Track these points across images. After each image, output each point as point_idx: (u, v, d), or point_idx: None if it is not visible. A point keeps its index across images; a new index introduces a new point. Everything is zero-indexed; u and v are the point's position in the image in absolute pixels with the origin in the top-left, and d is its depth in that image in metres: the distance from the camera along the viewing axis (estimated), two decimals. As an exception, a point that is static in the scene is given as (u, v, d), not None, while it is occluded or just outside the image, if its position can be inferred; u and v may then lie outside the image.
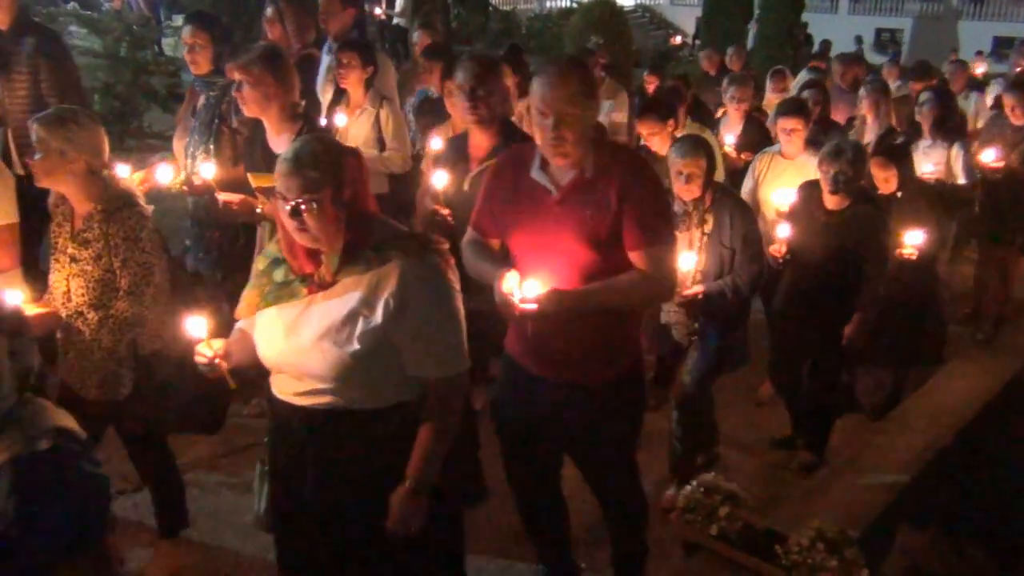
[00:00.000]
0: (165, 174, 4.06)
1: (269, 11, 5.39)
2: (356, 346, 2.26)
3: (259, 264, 2.46)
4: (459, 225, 3.34)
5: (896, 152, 4.92)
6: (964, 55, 19.60)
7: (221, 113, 4.29)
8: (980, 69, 13.86)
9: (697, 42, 20.01)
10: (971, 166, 5.59)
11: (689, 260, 3.72)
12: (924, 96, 5.82)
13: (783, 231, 4.22)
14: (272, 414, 2.57)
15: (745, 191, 5.23)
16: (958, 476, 4.39)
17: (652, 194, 2.73)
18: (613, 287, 2.67)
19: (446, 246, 2.42)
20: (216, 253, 4.45)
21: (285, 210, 2.22)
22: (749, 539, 3.10)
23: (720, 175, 5.54)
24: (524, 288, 2.52)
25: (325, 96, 5.53)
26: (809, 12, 21.20)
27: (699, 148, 3.74)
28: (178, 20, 14.07)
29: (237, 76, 3.66)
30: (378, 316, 2.26)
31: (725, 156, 5.74)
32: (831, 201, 4.25)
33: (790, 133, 4.92)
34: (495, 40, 22.65)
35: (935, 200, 5.03)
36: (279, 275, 2.37)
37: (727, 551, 3.10)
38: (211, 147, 4.27)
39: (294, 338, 2.32)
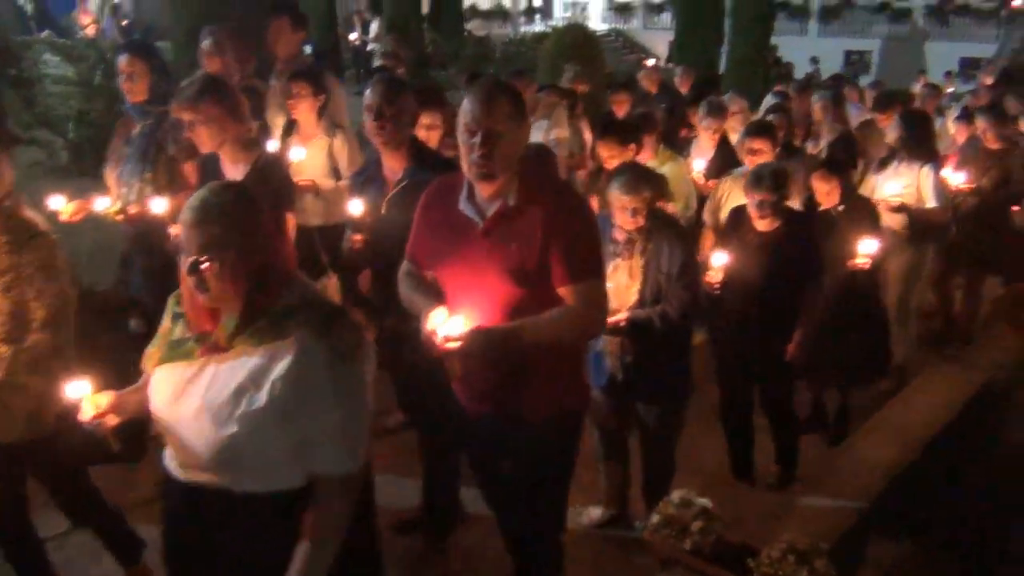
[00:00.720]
0: (102, 203, 4.09)
1: (206, 43, 5.12)
2: (234, 428, 1.98)
3: (166, 316, 2.22)
4: (382, 250, 3.36)
5: (838, 165, 4.95)
6: (932, 75, 20.01)
7: (158, 141, 4.23)
8: (950, 89, 14.16)
9: (670, 65, 20.24)
10: (941, 188, 5.51)
11: (618, 287, 3.68)
12: (895, 119, 5.88)
13: (718, 258, 4.21)
14: (163, 487, 2.28)
15: (706, 213, 5.33)
16: (928, 488, 4.46)
17: (580, 226, 2.65)
18: (540, 324, 2.58)
19: (362, 320, 2.38)
20: (153, 282, 4.19)
21: (184, 264, 1.99)
22: (722, 553, 3.12)
23: (692, 203, 5.63)
24: (448, 326, 2.45)
25: (275, 124, 5.36)
26: (779, 35, 21.52)
27: (641, 182, 3.67)
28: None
29: (186, 117, 3.57)
30: (262, 398, 1.98)
31: (694, 182, 5.77)
32: (761, 224, 4.28)
33: (755, 153, 4.90)
34: (470, 65, 22.79)
35: (876, 214, 5.05)
36: (177, 331, 2.14)
37: (701, 565, 3.12)
38: (147, 175, 4.20)
39: (177, 405, 2.07)
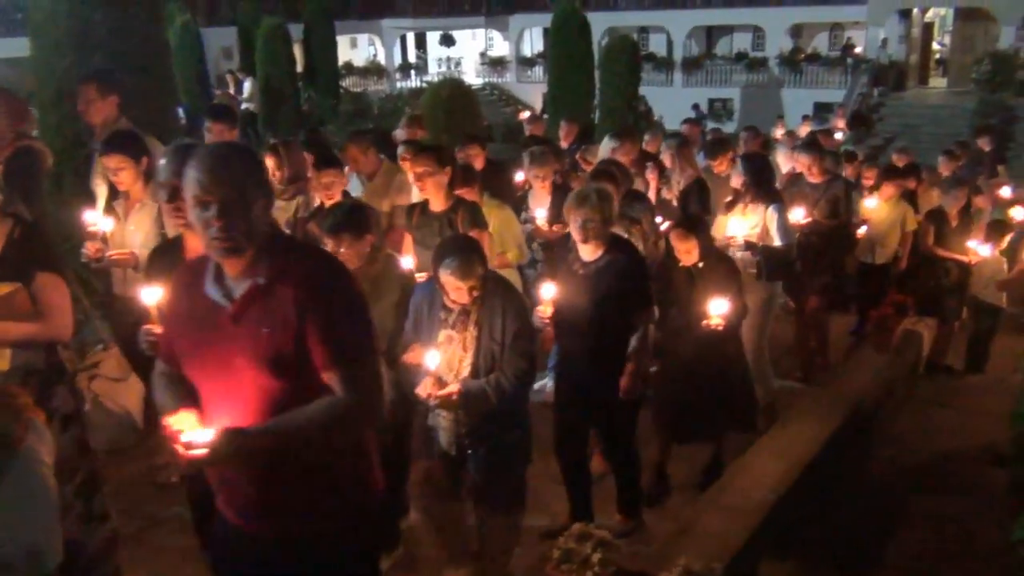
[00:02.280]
0: None
1: None
2: None
3: None
4: None
5: (694, 224, 4.88)
6: (790, 119, 21.23)
7: None
8: (807, 130, 15.04)
9: (545, 116, 20.80)
10: (787, 227, 5.60)
11: (434, 358, 3.39)
12: (738, 163, 5.95)
13: (547, 290, 4.03)
14: None
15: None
16: (812, 508, 4.67)
17: (340, 300, 2.31)
18: (299, 420, 2.22)
19: (28, 404, 2.12)
20: None
21: None
22: (622, 582, 3.21)
23: (525, 251, 5.65)
24: (192, 431, 2.14)
25: (100, 192, 4.99)
26: (646, 85, 22.45)
27: (475, 262, 3.43)
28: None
29: None
30: None
31: (536, 230, 5.79)
32: (585, 251, 4.16)
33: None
34: (347, 122, 22.82)
35: (736, 268, 4.99)
36: None
37: (602, 596, 3.19)
38: None
39: None
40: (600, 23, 26.75)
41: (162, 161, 3.10)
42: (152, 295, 3.06)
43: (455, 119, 11.16)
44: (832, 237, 6.48)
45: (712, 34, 32.06)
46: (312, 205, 5.47)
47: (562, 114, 16.59)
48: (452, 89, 12.47)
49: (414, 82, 30.87)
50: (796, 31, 29.39)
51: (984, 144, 10.85)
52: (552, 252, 4.50)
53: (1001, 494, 4.51)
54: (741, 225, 5.50)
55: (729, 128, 24.27)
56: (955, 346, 7.70)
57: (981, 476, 5.28)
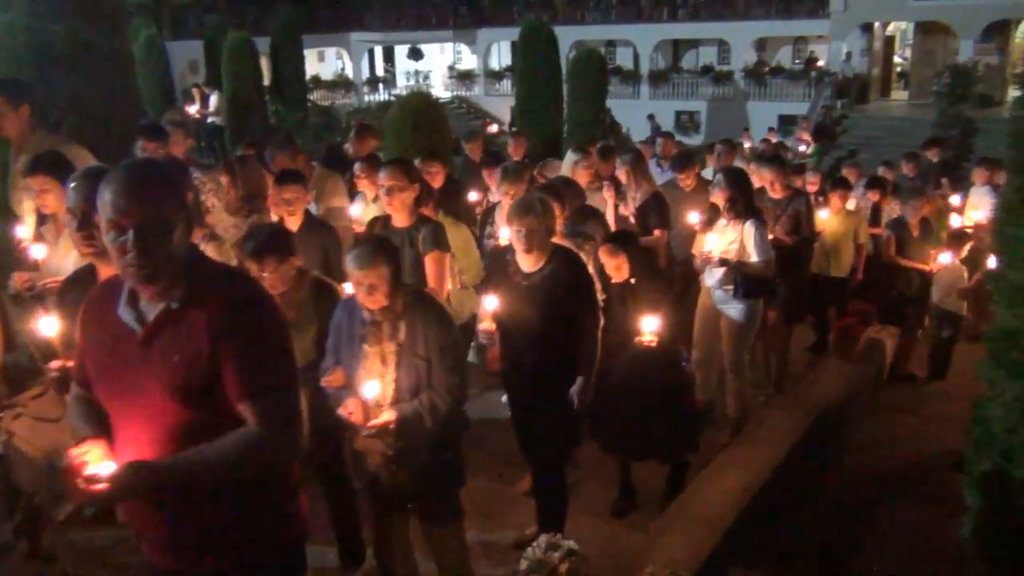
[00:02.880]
0: None
1: None
2: None
3: None
4: None
5: (624, 240, 4.75)
6: (756, 131, 21.48)
7: None
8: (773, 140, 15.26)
9: (513, 129, 20.86)
10: (765, 243, 5.45)
11: (373, 388, 3.23)
12: (717, 177, 5.65)
13: (489, 303, 3.90)
14: None
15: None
16: (779, 516, 4.71)
17: (256, 326, 2.18)
18: (209, 453, 2.10)
19: None
20: None
21: None
22: (590, 593, 3.20)
23: (481, 270, 5.31)
24: (97, 465, 2.02)
25: (24, 208, 4.75)
26: (613, 99, 22.56)
27: (378, 255, 3.28)
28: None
29: None
30: None
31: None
32: (527, 261, 4.03)
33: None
34: (315, 135, 22.74)
35: (667, 285, 4.94)
36: None
37: (570, 607, 3.18)
38: None
39: None
40: (567, 37, 26.88)
41: (71, 185, 2.87)
42: (51, 326, 2.90)
43: (423, 132, 11.13)
44: (791, 253, 6.35)
45: (678, 48, 32.38)
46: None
47: (529, 127, 16.66)
48: (420, 102, 12.43)
49: (382, 95, 30.85)
50: (760, 45, 29.75)
51: (933, 156, 11.08)
52: (490, 264, 4.31)
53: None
54: (718, 241, 5.40)
55: (696, 140, 24.54)
56: (918, 354, 7.82)
57: (944, 481, 5.35)
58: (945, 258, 7.07)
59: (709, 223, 5.60)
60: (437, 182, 6.60)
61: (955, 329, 7.62)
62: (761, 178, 6.58)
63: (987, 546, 2.93)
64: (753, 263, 5.38)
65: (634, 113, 24.85)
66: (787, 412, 5.56)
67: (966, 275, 7.42)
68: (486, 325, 3.89)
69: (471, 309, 5.02)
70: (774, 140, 19.38)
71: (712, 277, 5.53)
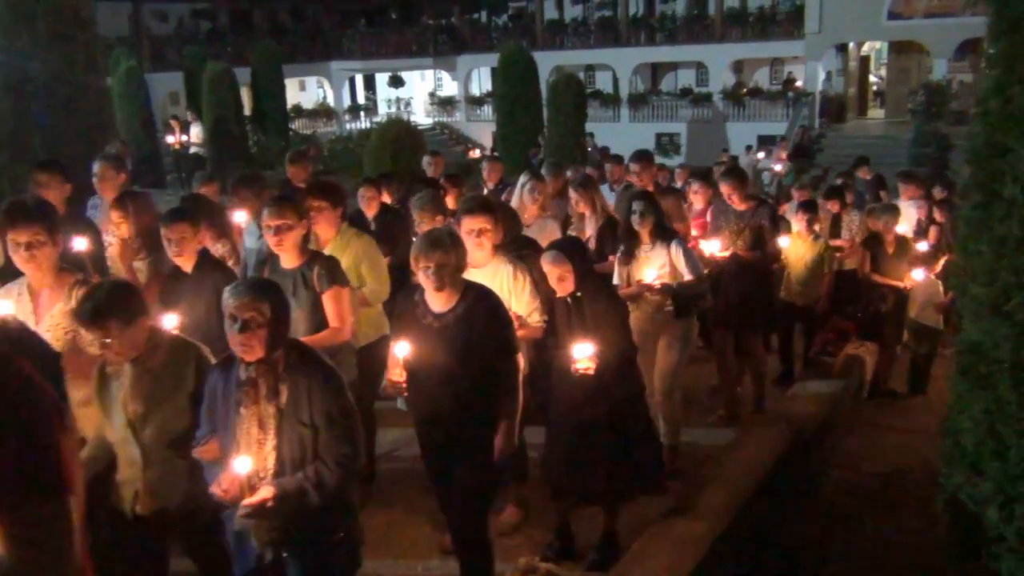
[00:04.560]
0: None
1: None
2: None
3: None
4: None
5: (570, 246, 4.31)
6: (735, 152, 21.68)
7: None
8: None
9: (495, 154, 21.01)
10: (694, 259, 5.35)
11: (245, 464, 2.87)
12: (636, 205, 5.32)
13: (400, 349, 3.58)
14: None
15: None
16: (761, 533, 4.71)
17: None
18: None
19: None
20: None
21: None
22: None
23: (385, 288, 4.89)
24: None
25: None
26: (593, 122, 22.78)
27: (263, 289, 3.00)
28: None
29: None
30: None
31: None
32: (438, 301, 3.67)
33: (479, 235, 4.26)
34: (297, 163, 22.71)
35: (618, 299, 4.55)
36: None
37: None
38: None
39: None
40: (547, 62, 27.13)
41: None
42: None
43: (403, 159, 11.23)
44: (753, 269, 6.19)
45: (657, 71, 32.70)
46: (168, 264, 4.66)
47: (512, 152, 16.78)
48: (399, 129, 12.55)
49: (364, 123, 30.97)
50: (738, 67, 30.07)
51: (863, 174, 11.30)
52: (395, 305, 3.90)
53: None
54: (649, 270, 5.18)
55: (676, 162, 24.72)
56: (898, 369, 7.87)
57: (926, 494, 5.38)
58: (918, 274, 7.14)
59: (628, 253, 5.35)
60: (372, 209, 6.41)
61: (933, 344, 7.68)
62: (722, 190, 6.39)
63: (960, 558, 2.96)
64: (690, 280, 5.27)
65: (616, 136, 24.98)
66: (767, 431, 5.58)
67: (942, 289, 7.49)
68: (395, 375, 3.59)
69: (377, 330, 4.85)
70: (757, 156, 19.67)
71: (647, 303, 5.28)
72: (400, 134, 12.04)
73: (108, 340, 3.12)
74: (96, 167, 5.58)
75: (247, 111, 24.13)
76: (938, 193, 9.32)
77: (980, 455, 2.86)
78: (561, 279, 4.11)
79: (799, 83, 27.78)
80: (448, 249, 3.58)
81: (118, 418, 3.29)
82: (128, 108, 19.03)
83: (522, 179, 6.47)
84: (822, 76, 26.94)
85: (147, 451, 3.28)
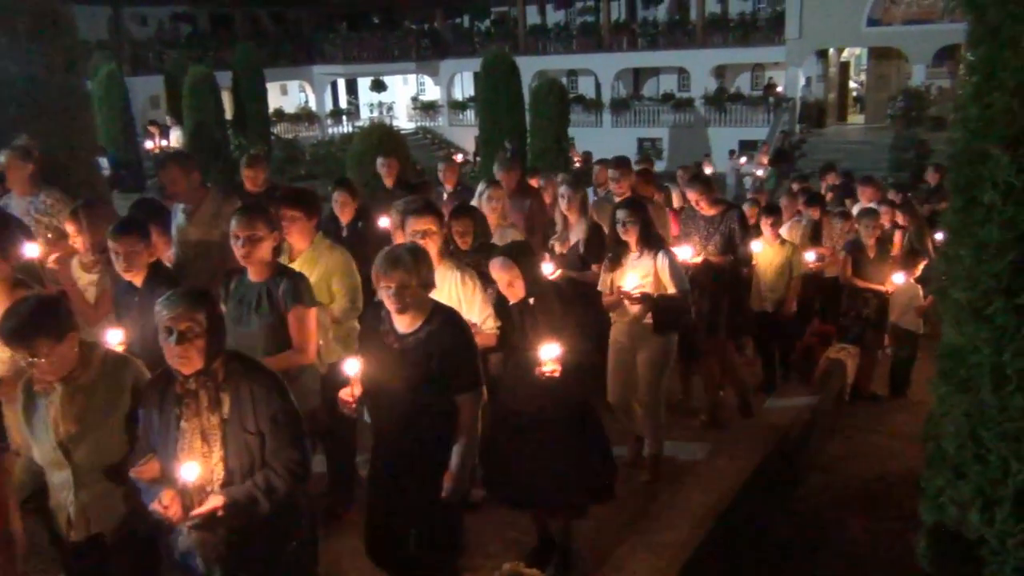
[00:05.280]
0: None
1: None
2: None
3: None
4: None
5: (518, 251, 4.15)
6: (717, 156, 21.79)
7: None
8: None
9: (478, 158, 20.98)
10: (680, 273, 5.16)
11: (192, 470, 2.77)
12: (620, 213, 5.13)
13: (349, 368, 3.33)
14: None
15: None
16: (744, 538, 4.73)
17: None
18: None
19: None
20: None
21: None
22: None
23: (358, 300, 4.63)
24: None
25: None
26: (577, 127, 22.81)
27: (196, 299, 2.85)
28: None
29: None
30: None
31: None
32: (402, 322, 3.42)
33: (423, 237, 4.13)
34: (279, 168, 22.67)
35: (575, 302, 4.48)
36: None
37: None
38: None
39: None
40: (529, 67, 27.15)
41: None
42: None
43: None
44: (726, 275, 6.11)
45: (639, 76, 32.82)
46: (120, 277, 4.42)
47: (493, 156, 16.71)
48: (381, 133, 12.53)
49: (346, 128, 30.91)
50: (719, 72, 30.22)
51: (832, 179, 11.45)
52: (365, 321, 3.68)
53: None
54: (631, 277, 5.05)
55: (659, 167, 24.81)
56: (879, 373, 7.92)
57: (907, 497, 5.41)
58: (899, 278, 7.19)
59: (615, 260, 5.20)
60: (346, 214, 6.28)
61: (913, 347, 7.74)
62: (689, 197, 6.34)
63: (940, 562, 2.97)
64: (671, 295, 5.06)
65: (598, 141, 25.04)
66: (749, 434, 5.60)
67: (921, 293, 7.55)
68: (345, 392, 3.35)
69: (347, 348, 4.48)
70: (740, 161, 19.76)
71: (627, 313, 5.16)
72: (383, 138, 12.01)
73: (35, 359, 2.94)
74: (3, 158, 5.34)
75: (228, 115, 24.00)
76: (893, 197, 9.47)
77: (961, 459, 2.87)
78: (510, 285, 4.02)
79: (780, 88, 27.94)
80: (409, 268, 3.31)
81: (47, 439, 3.10)
82: (108, 112, 18.91)
83: (480, 187, 6.32)
84: (802, 82, 27.12)
85: (79, 474, 3.11)
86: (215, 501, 2.78)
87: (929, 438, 3.10)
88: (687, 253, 5.80)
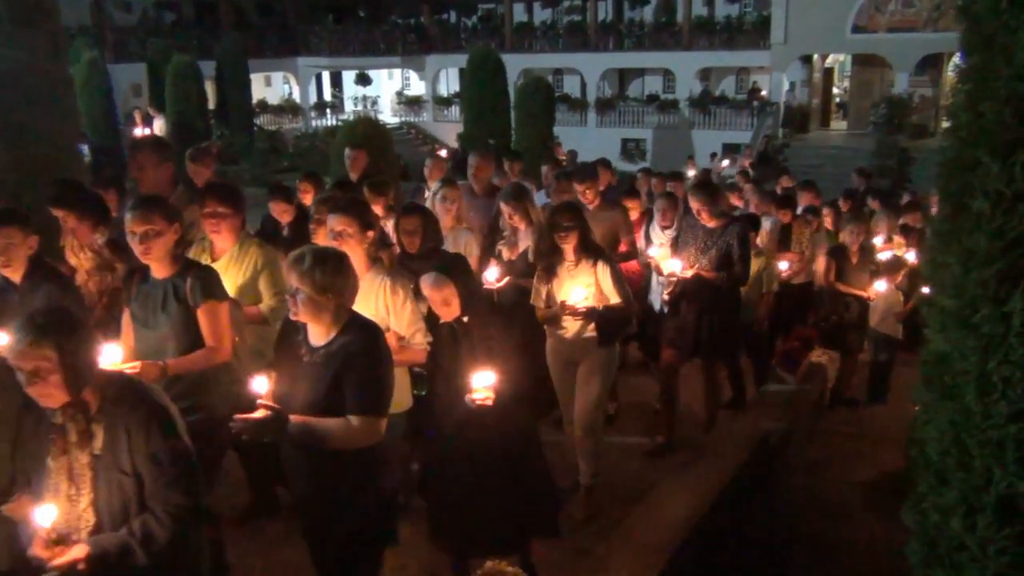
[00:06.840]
0: None
1: None
2: None
3: None
4: None
5: (452, 266, 3.90)
6: (700, 159, 21.86)
7: None
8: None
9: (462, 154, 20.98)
10: (622, 281, 4.88)
11: (48, 513, 2.43)
12: (559, 218, 4.80)
13: (258, 384, 2.90)
14: None
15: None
16: (725, 539, 4.74)
17: None
18: None
19: None
20: None
21: None
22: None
23: (280, 306, 4.24)
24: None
25: None
26: (560, 126, 22.82)
27: (41, 332, 2.43)
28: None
29: None
30: None
31: None
32: (317, 333, 3.07)
33: (338, 237, 3.76)
34: (262, 160, 22.56)
35: (517, 324, 4.30)
36: None
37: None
38: None
39: None
40: (515, 65, 27.16)
41: None
42: None
43: (370, 157, 11.13)
44: (716, 292, 5.72)
45: (624, 76, 32.91)
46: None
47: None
48: (366, 127, 12.46)
49: (330, 120, 30.78)
50: (704, 75, 30.36)
51: (787, 182, 11.62)
52: (281, 333, 3.34)
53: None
54: (577, 290, 4.73)
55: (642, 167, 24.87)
56: (859, 378, 7.97)
57: (888, 502, 5.44)
58: (881, 285, 7.23)
59: (549, 271, 4.88)
60: (308, 199, 6.08)
61: (892, 353, 7.79)
62: (691, 205, 5.98)
63: (923, 567, 2.99)
64: (615, 305, 4.78)
65: (582, 140, 25.08)
66: (730, 437, 5.61)
67: (902, 299, 7.61)
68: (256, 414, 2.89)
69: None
70: (721, 164, 19.84)
71: (568, 329, 4.89)
72: (368, 132, 11.94)
73: None
74: None
75: (211, 105, 23.86)
76: (843, 205, 9.60)
77: (945, 465, 2.88)
78: (446, 303, 3.71)
79: (764, 93, 28.12)
80: (303, 272, 2.93)
81: None
82: (89, 100, 18.74)
83: (435, 186, 5.98)
84: (787, 86, 27.31)
85: None
86: (78, 552, 2.41)
87: (912, 444, 3.12)
88: (677, 266, 5.59)
